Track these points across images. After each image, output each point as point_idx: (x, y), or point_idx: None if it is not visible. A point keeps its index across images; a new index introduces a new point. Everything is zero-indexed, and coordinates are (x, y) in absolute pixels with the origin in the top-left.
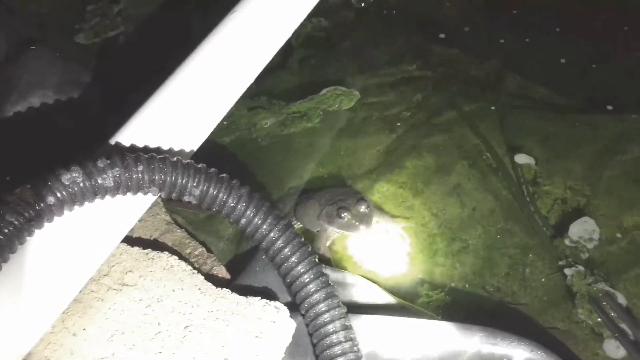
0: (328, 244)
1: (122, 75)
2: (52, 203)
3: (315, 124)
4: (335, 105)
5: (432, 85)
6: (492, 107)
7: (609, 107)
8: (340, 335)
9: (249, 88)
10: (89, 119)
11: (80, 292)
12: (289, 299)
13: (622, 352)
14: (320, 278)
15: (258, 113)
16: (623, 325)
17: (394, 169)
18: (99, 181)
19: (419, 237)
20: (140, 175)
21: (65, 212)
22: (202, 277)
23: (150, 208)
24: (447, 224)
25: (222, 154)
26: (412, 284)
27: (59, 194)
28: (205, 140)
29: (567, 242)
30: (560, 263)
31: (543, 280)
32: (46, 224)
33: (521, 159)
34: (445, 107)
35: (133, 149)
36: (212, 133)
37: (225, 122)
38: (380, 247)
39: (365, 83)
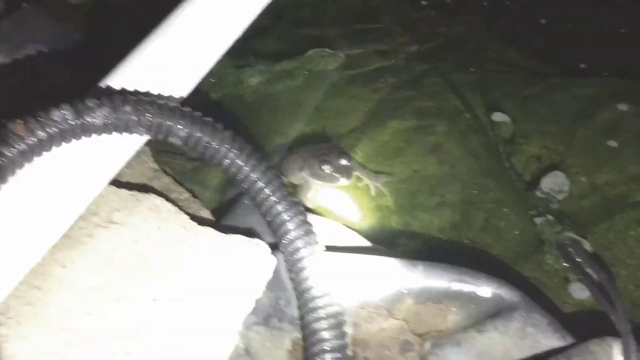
0: (310, 195)
1: (113, 32)
2: (42, 138)
3: (301, 83)
4: (321, 66)
5: (416, 49)
6: (470, 69)
7: (583, 66)
8: (316, 269)
9: (238, 48)
10: (81, 72)
11: (69, 228)
12: (270, 240)
13: (586, 293)
14: (299, 216)
15: (245, 71)
16: (588, 270)
17: (377, 128)
18: (88, 119)
19: (400, 193)
20: (127, 115)
21: (54, 148)
22: (187, 217)
23: (139, 156)
24: (427, 181)
25: (209, 110)
26: (391, 235)
27: (49, 129)
28: (193, 96)
29: (538, 193)
30: (531, 213)
31: (516, 232)
32: (35, 159)
33: (498, 117)
34: (428, 70)
35: (122, 91)
36: (200, 89)
37: (212, 79)
38: (361, 201)
39: (351, 46)
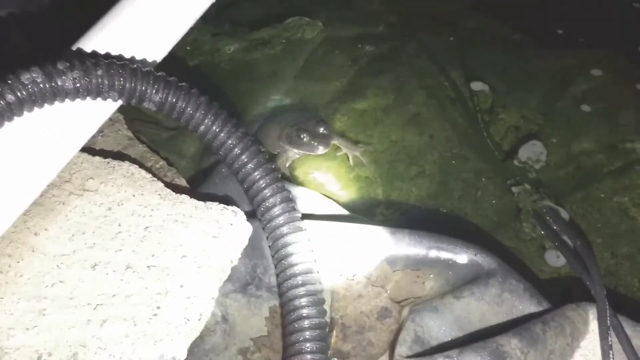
0: (288, 164)
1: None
2: (11, 101)
3: (278, 52)
4: (299, 35)
5: (396, 19)
6: (451, 39)
7: (559, 32)
8: (294, 236)
9: (214, 15)
10: (50, 37)
11: (41, 196)
12: (247, 209)
13: (562, 260)
14: (276, 183)
15: (221, 39)
16: (564, 238)
17: (356, 98)
18: (59, 82)
19: (378, 163)
20: (99, 79)
21: (25, 112)
22: (162, 184)
23: (112, 124)
24: (405, 151)
25: (185, 78)
26: (370, 205)
27: (18, 93)
28: (169, 63)
29: (516, 162)
30: (509, 182)
31: (494, 201)
32: (6, 123)
33: (477, 86)
34: (407, 40)
35: (94, 55)
36: (176, 56)
37: (188, 48)
38: (340, 170)
39: (330, 15)
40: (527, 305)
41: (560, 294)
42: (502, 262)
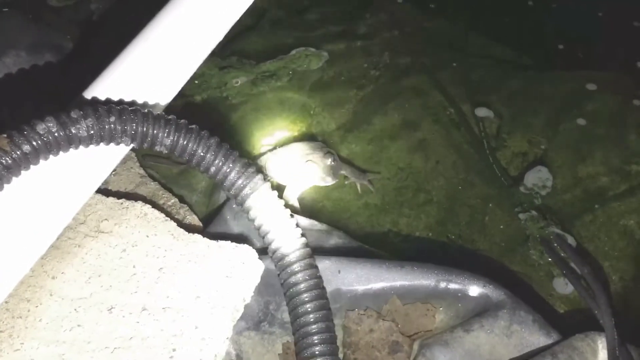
0: (297, 196)
1: (95, 36)
2: (28, 151)
3: (285, 83)
4: (304, 65)
5: (400, 45)
6: (454, 64)
7: (560, 47)
8: (306, 274)
9: (221, 49)
10: (62, 79)
11: (57, 239)
12: (258, 245)
13: (570, 288)
14: (288, 221)
15: (229, 72)
16: (571, 264)
17: (362, 125)
18: (73, 131)
19: (386, 190)
20: (112, 125)
21: (41, 160)
22: (175, 224)
23: (125, 162)
24: (413, 177)
25: (194, 112)
26: (379, 234)
27: (34, 143)
28: (178, 99)
29: (522, 189)
30: (516, 209)
31: (501, 227)
32: (23, 172)
33: (482, 112)
34: (412, 66)
35: (106, 101)
36: (184, 92)
37: (196, 81)
38: (348, 199)
39: (334, 44)
40: (536, 337)
41: (569, 322)
42: (510, 294)
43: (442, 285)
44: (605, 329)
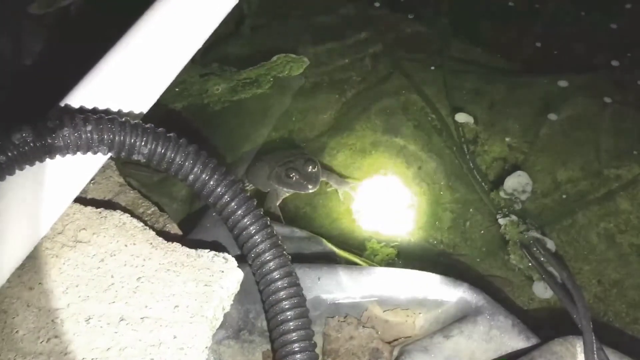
0: (278, 203)
1: (74, 44)
2: (2, 161)
3: (266, 90)
4: (286, 72)
5: (381, 50)
6: (434, 69)
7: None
8: (285, 282)
9: (201, 55)
10: (41, 86)
11: (35, 249)
12: (238, 252)
13: (549, 292)
14: (266, 229)
15: (210, 79)
16: (551, 268)
17: (344, 132)
18: (49, 140)
19: (367, 196)
20: (89, 134)
21: (17, 170)
22: (154, 233)
23: (104, 171)
24: (394, 183)
25: (175, 120)
26: (360, 239)
27: (9, 153)
28: (158, 106)
29: (502, 194)
30: (496, 214)
31: (482, 232)
32: None
33: (461, 117)
34: (393, 72)
35: (83, 110)
36: (165, 99)
37: (177, 89)
38: (330, 205)
39: (315, 50)
40: (515, 342)
41: (549, 326)
42: (490, 299)
43: (422, 291)
44: (584, 332)
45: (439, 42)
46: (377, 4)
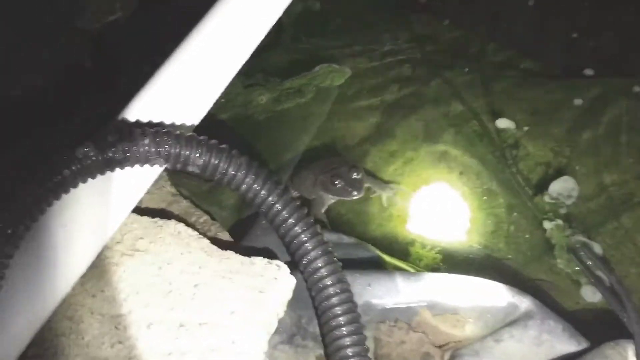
0: (324, 209)
1: (123, 58)
2: (67, 175)
3: (309, 100)
4: (328, 82)
5: (420, 57)
6: (473, 74)
7: (590, 72)
8: (337, 288)
9: (245, 65)
10: (92, 101)
11: (96, 258)
12: (288, 259)
13: (598, 296)
14: (317, 237)
15: (254, 90)
16: (599, 272)
17: (385, 138)
18: (110, 154)
19: (411, 201)
20: (147, 147)
21: (80, 183)
22: (208, 241)
23: (157, 181)
24: (437, 188)
25: (221, 130)
26: (404, 244)
27: (73, 167)
28: (204, 117)
29: (547, 198)
30: (541, 218)
31: (527, 236)
32: (63, 195)
33: (503, 123)
34: (432, 78)
35: (139, 124)
36: (211, 110)
37: (222, 100)
38: (374, 211)
39: (355, 58)
40: (566, 346)
41: (598, 330)
42: (539, 303)
43: (471, 296)
44: (635, 336)
45: (476, 47)
46: (414, 12)
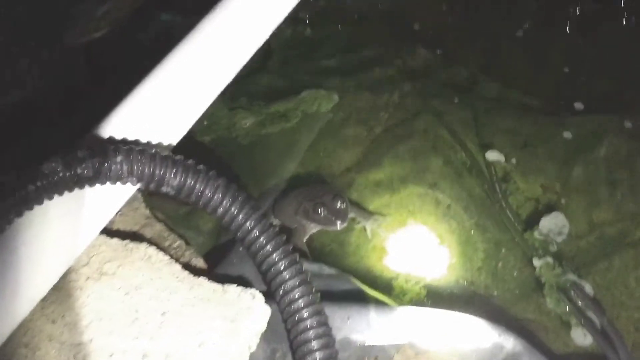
0: (305, 238)
1: (106, 75)
2: (31, 191)
3: (294, 125)
4: (314, 107)
5: (410, 86)
6: (464, 106)
7: (581, 107)
8: (314, 321)
9: (229, 88)
10: (72, 117)
11: (59, 281)
12: (264, 288)
13: (589, 339)
14: (294, 266)
15: (238, 113)
16: (590, 314)
17: (372, 168)
18: (78, 171)
19: (396, 234)
20: (119, 165)
21: (45, 200)
22: (180, 266)
23: (130, 202)
24: (423, 221)
25: (203, 153)
26: (388, 278)
27: (38, 182)
28: (187, 139)
29: (536, 235)
30: (530, 256)
31: (515, 273)
32: (25, 212)
33: (492, 155)
34: (422, 108)
35: (113, 140)
36: (193, 132)
37: (206, 122)
38: (358, 242)
39: (344, 85)
40: None
41: None
42: (526, 344)
43: (456, 333)
44: None
45: (467, 78)
46: (405, 42)
